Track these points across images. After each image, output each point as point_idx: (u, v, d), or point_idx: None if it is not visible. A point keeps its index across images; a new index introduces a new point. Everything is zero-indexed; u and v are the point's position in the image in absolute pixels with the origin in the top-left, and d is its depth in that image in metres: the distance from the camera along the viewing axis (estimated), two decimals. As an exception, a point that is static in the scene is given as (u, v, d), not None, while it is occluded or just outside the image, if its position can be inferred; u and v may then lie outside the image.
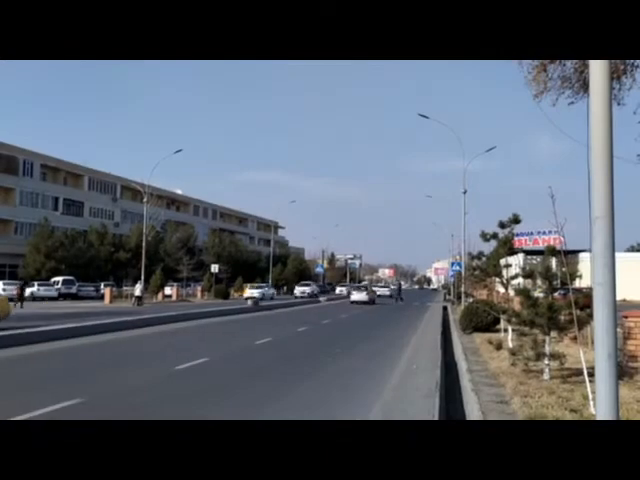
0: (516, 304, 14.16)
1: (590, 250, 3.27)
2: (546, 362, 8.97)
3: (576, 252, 32.55)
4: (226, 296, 52.38)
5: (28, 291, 43.22)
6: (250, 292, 50.22)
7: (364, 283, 66.06)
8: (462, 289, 31.89)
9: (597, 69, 3.17)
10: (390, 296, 56.83)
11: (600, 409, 3.20)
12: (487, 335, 15.49)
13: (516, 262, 16.88)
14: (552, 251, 10.25)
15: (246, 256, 77.90)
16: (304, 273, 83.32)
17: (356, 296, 42.69)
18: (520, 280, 15.72)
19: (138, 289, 39.07)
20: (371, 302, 42.22)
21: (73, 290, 46.48)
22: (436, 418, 6.72)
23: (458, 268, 38.39)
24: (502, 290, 18.19)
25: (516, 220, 15.11)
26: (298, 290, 59.34)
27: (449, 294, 56.96)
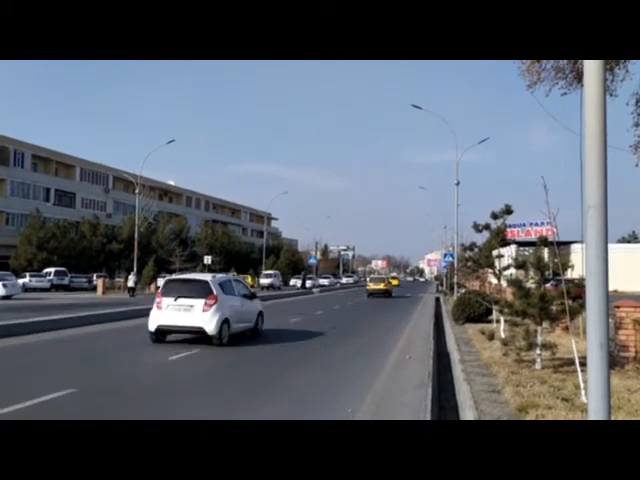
0: (508, 295, 14.28)
1: (583, 240, 3.28)
2: (538, 352, 9.06)
3: (568, 243, 32.72)
4: (219, 287, 52.24)
5: (20, 282, 43.03)
6: None
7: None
8: (455, 280, 32.02)
9: (591, 61, 3.19)
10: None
11: (592, 398, 3.25)
12: (479, 326, 15.59)
13: (508, 253, 17.00)
14: (544, 242, 10.32)
15: (239, 247, 77.79)
16: (297, 264, 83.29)
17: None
18: (512, 271, 15.86)
19: (131, 280, 39.13)
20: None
21: (65, 281, 46.32)
22: (429, 406, 6.80)
23: (451, 259, 38.49)
24: (494, 281, 18.34)
25: (508, 211, 15.20)
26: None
27: (441, 285, 57.14)
